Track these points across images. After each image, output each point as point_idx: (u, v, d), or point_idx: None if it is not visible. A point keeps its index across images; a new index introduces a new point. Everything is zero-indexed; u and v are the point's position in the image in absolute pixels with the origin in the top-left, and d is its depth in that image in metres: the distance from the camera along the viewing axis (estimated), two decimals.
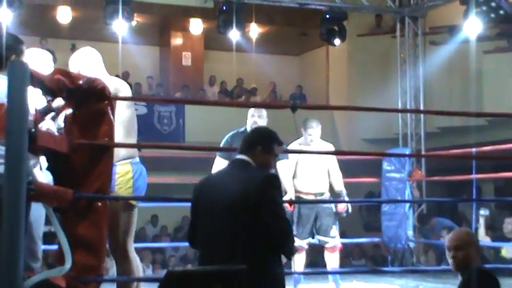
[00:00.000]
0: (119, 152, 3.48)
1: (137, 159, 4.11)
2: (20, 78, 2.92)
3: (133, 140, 4.14)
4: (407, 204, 8.90)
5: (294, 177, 6.47)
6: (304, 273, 6.69)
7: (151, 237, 11.90)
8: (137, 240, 4.46)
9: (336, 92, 14.50)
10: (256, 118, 5.98)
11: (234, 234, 2.92)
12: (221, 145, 6.07)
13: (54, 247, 4.22)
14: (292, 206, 6.24)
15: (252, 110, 6.06)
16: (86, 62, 4.14)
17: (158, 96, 13.24)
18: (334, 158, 6.69)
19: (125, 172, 3.98)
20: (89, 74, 3.74)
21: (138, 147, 4.21)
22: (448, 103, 11.53)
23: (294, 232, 6.33)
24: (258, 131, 3.33)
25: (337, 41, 10.86)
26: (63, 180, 3.28)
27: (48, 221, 3.39)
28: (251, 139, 3.15)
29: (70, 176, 3.29)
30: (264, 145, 3.09)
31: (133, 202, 4.02)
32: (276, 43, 14.53)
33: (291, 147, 6.40)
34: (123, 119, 3.52)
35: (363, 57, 13.39)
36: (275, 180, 3.02)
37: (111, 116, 3.37)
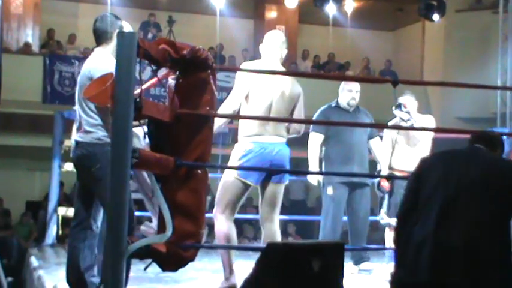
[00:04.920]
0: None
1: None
2: (128, 49, 2.98)
3: None
4: None
5: (391, 153, 6.28)
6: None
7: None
8: None
9: (430, 69, 14.15)
10: (354, 93, 5.99)
11: (490, 214, 2.83)
12: (314, 119, 6.08)
13: (147, 214, 4.35)
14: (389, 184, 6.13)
15: (348, 85, 5.99)
16: None
17: None
18: (430, 134, 6.39)
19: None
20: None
21: (238, 118, 4.25)
22: None
23: (386, 209, 6.26)
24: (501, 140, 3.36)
25: (435, 17, 10.63)
26: (162, 147, 3.33)
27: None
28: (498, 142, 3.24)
29: (171, 144, 3.34)
30: (502, 150, 3.25)
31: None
32: (370, 18, 14.29)
33: (390, 123, 6.26)
34: None
35: (461, 34, 12.98)
36: None
37: (213, 86, 3.40)
